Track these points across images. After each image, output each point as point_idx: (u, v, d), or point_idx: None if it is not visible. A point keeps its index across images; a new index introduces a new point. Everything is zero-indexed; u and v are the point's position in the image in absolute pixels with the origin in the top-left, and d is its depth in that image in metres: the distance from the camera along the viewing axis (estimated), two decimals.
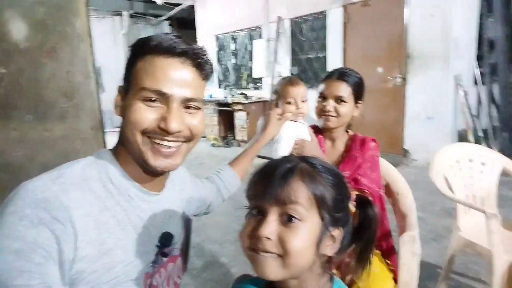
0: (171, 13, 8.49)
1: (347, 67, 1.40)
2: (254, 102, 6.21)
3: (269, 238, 0.55)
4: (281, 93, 1.26)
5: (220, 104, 6.60)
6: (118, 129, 0.74)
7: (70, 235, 0.60)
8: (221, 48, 7.41)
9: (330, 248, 0.60)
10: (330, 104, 1.27)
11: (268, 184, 0.57)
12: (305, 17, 5.55)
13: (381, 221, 1.26)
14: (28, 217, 0.57)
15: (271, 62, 6.10)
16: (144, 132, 0.69)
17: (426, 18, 4.12)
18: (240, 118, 6.18)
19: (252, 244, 0.57)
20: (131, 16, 8.71)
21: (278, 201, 0.56)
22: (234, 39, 7.08)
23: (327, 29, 5.21)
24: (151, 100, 0.68)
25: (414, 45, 4.28)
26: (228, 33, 7.10)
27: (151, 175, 0.75)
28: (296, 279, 0.60)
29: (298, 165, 0.60)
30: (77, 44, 2.05)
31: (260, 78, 6.61)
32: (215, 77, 7.47)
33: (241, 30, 6.79)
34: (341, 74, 1.29)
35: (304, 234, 0.56)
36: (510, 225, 1.75)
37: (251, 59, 6.73)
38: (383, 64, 4.60)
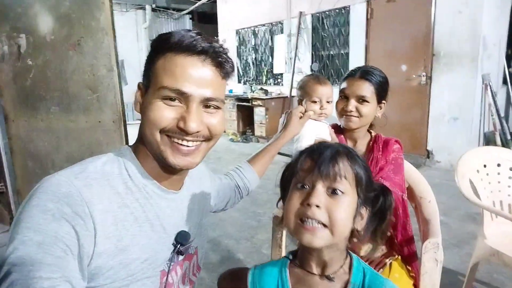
0: (193, 7, 8.53)
1: (370, 66, 1.35)
2: (274, 98, 6.19)
3: (318, 206, 0.61)
4: (307, 90, 1.24)
5: (239, 99, 6.61)
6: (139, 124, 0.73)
7: (90, 230, 0.61)
8: (242, 43, 7.39)
9: (359, 224, 0.67)
10: (352, 104, 1.23)
11: (319, 161, 0.64)
12: (328, 12, 5.45)
13: (403, 226, 1.23)
14: (51, 211, 0.58)
15: (292, 58, 6.05)
16: (163, 131, 0.69)
17: (454, 15, 3.98)
18: (259, 113, 6.17)
19: (300, 213, 0.63)
20: (153, 10, 8.81)
21: (327, 175, 0.63)
22: (255, 34, 7.04)
23: (350, 25, 5.11)
24: (171, 99, 0.67)
25: (441, 43, 4.14)
26: (249, 27, 7.08)
27: (170, 173, 0.75)
28: (330, 249, 0.65)
29: (342, 148, 0.68)
30: (101, 37, 2.09)
31: (280, 74, 6.56)
32: (235, 72, 7.47)
33: (262, 25, 6.74)
34: (364, 73, 1.24)
35: (347, 206, 0.63)
36: None
37: (271, 54, 6.69)
38: (408, 62, 4.47)
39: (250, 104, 6.33)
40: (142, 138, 0.73)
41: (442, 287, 1.15)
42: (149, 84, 0.70)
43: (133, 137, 0.79)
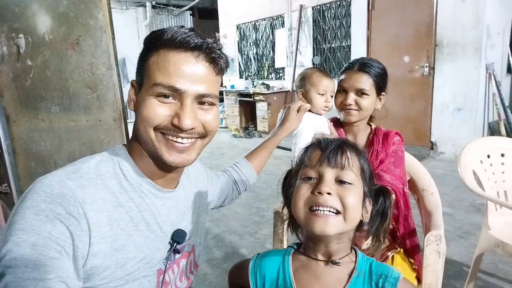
0: (193, 3, 8.49)
1: (369, 57, 1.33)
2: (276, 92, 6.16)
3: (330, 194, 0.63)
4: (314, 81, 1.23)
5: (241, 94, 6.58)
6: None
7: (84, 231, 0.61)
8: (243, 37, 7.35)
9: (365, 216, 0.68)
10: (351, 97, 1.22)
11: (327, 152, 0.66)
12: (328, 5, 5.40)
13: (405, 218, 1.22)
14: (44, 212, 0.58)
15: (293, 52, 6.00)
16: (157, 128, 0.68)
17: (456, 4, 3.92)
18: (261, 108, 6.15)
19: (311, 202, 0.64)
20: (153, 7, 8.78)
21: (336, 164, 0.65)
22: (255, 28, 7.00)
23: (351, 17, 5.05)
24: (165, 96, 0.67)
25: (444, 33, 4.08)
26: (250, 22, 7.03)
27: (165, 171, 0.74)
28: (339, 239, 0.65)
29: (347, 141, 0.70)
30: (100, 36, 2.08)
31: (282, 68, 6.52)
32: (236, 67, 7.45)
33: (263, 19, 6.70)
34: (362, 65, 1.22)
35: (356, 194, 0.65)
36: None
37: (273, 48, 6.64)
38: (410, 53, 4.42)
39: (252, 99, 6.30)
40: (136, 136, 0.72)
41: (447, 278, 1.15)
42: (143, 81, 0.69)
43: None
